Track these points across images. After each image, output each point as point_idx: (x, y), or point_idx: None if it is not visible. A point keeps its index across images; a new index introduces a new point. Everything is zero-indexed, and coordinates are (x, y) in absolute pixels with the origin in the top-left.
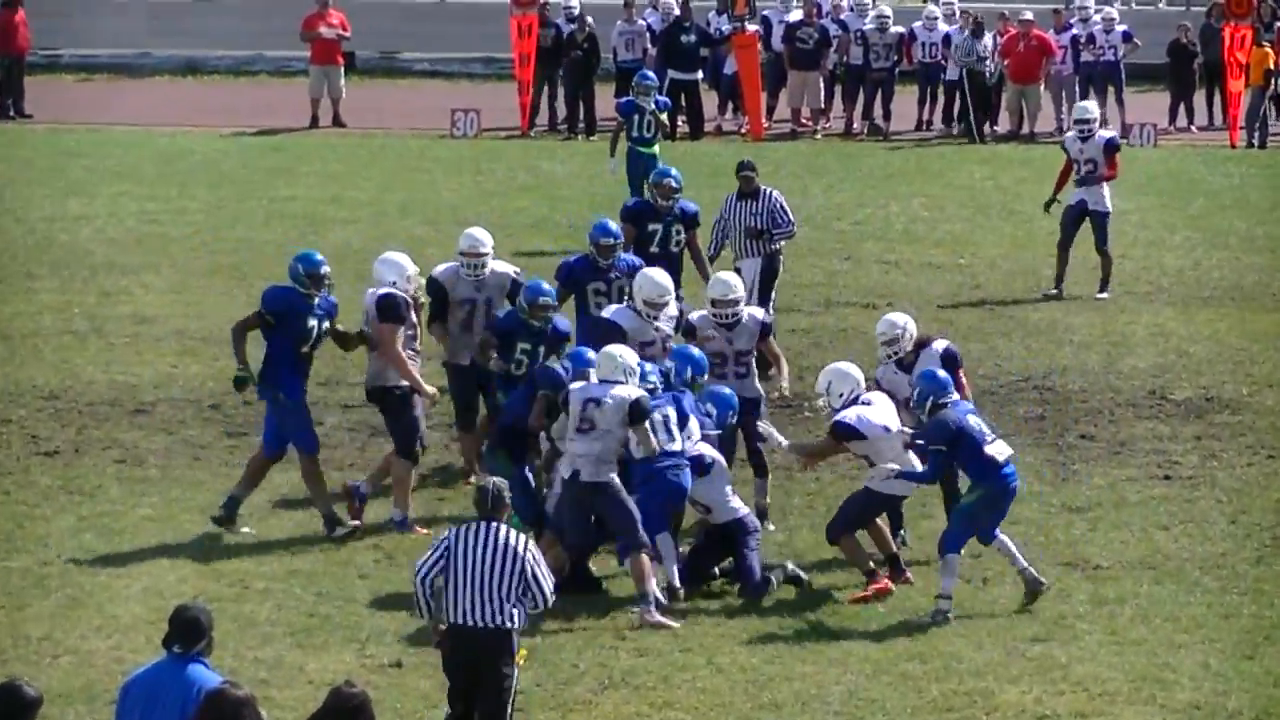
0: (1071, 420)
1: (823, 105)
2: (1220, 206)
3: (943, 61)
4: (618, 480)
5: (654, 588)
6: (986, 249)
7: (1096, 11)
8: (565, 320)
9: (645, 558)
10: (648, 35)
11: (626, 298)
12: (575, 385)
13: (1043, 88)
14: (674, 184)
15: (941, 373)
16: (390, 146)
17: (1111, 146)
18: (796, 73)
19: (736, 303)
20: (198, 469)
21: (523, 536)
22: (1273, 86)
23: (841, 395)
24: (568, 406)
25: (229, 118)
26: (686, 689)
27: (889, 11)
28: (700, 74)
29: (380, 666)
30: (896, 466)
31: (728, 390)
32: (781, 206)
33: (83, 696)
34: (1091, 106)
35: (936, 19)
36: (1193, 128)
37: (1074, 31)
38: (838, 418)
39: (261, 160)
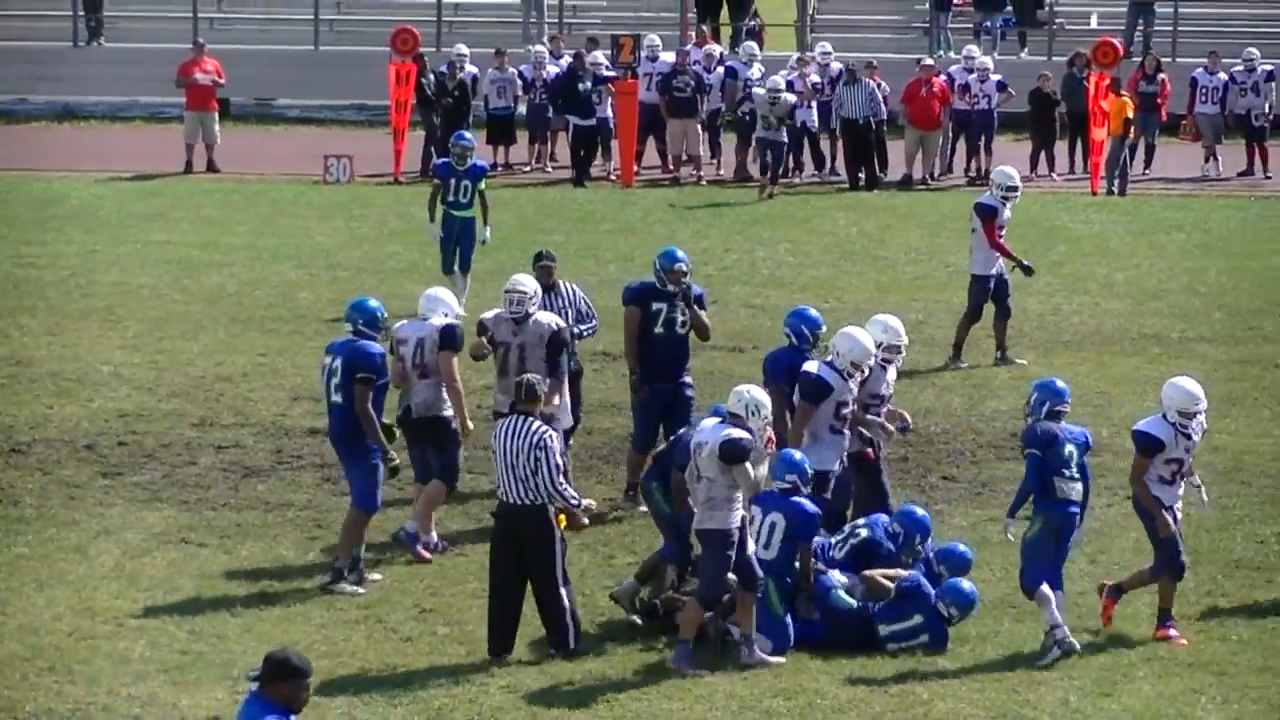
0: (934, 461)
1: (701, 152)
2: (1081, 253)
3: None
4: (727, 531)
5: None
6: (851, 294)
7: (969, 60)
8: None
9: (698, 611)
10: (519, 83)
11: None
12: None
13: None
14: (685, 268)
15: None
16: (264, 192)
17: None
18: (676, 120)
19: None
20: (73, 508)
21: (548, 430)
22: (1131, 135)
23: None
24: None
25: (104, 163)
26: None
27: (783, 84)
28: (594, 120)
29: None
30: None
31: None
32: (585, 300)
33: None
34: (1014, 173)
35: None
36: (1055, 175)
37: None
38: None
39: (136, 205)
